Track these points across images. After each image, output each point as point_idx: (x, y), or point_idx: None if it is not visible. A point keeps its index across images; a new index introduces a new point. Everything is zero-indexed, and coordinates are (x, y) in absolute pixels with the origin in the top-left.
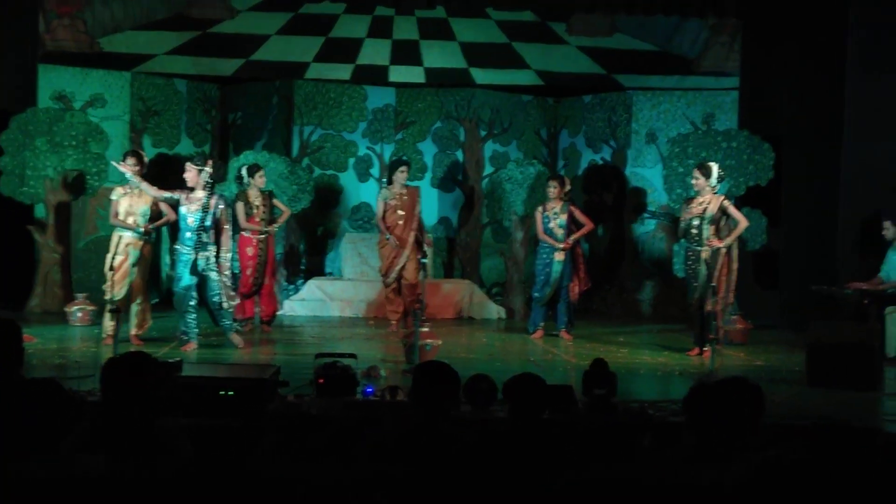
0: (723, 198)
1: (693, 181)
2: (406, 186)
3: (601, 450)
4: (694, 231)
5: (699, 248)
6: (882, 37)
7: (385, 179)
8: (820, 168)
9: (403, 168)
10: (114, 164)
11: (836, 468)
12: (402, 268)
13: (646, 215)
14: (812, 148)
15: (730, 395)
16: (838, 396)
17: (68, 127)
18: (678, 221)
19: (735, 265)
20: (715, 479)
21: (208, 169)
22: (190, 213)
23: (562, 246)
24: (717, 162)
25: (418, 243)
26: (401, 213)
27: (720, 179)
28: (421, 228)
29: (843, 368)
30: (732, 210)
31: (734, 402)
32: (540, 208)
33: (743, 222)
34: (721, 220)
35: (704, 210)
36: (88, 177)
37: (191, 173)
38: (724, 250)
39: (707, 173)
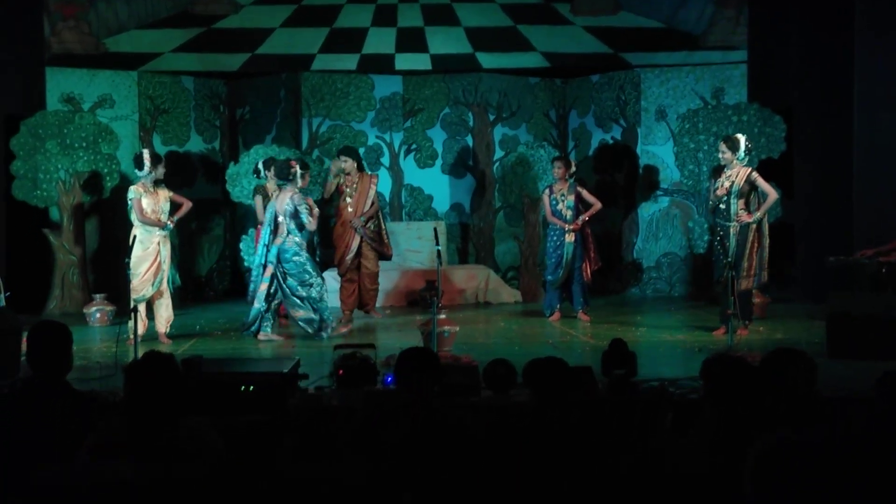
0: (751, 170)
1: (720, 154)
2: (360, 173)
3: (623, 429)
4: (722, 206)
5: (728, 223)
6: (889, 3)
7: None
8: (832, 138)
9: (343, 158)
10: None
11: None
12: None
13: (659, 192)
14: (823, 118)
15: (786, 367)
16: (860, 367)
17: (78, 129)
18: (700, 196)
19: (766, 241)
20: (732, 463)
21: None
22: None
23: (571, 227)
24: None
25: (379, 234)
26: (349, 200)
27: (748, 152)
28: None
29: (864, 339)
30: (761, 182)
31: (790, 374)
32: (547, 190)
33: (772, 195)
34: (750, 194)
35: (732, 184)
36: (101, 178)
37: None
38: (753, 225)
39: (734, 146)
